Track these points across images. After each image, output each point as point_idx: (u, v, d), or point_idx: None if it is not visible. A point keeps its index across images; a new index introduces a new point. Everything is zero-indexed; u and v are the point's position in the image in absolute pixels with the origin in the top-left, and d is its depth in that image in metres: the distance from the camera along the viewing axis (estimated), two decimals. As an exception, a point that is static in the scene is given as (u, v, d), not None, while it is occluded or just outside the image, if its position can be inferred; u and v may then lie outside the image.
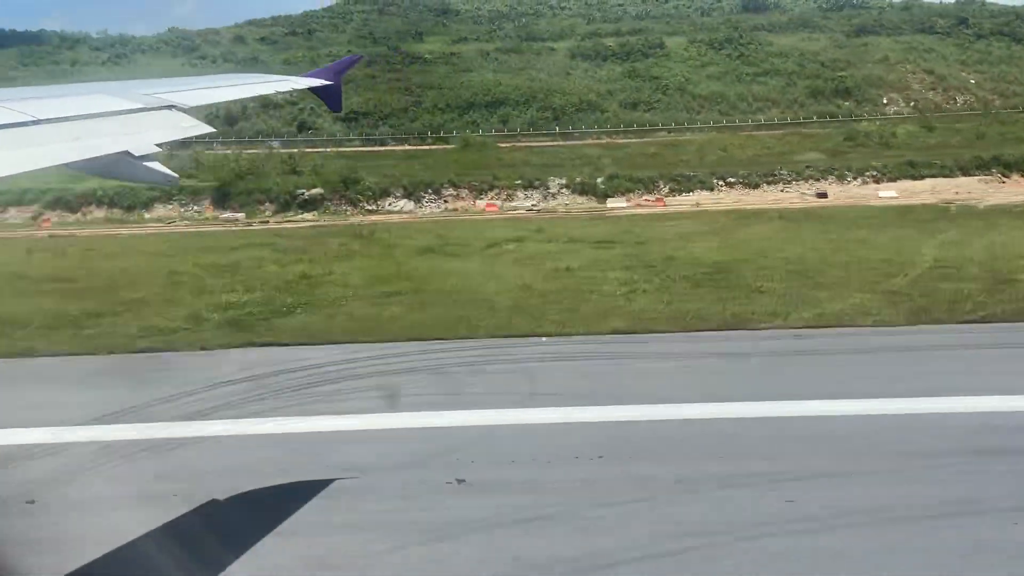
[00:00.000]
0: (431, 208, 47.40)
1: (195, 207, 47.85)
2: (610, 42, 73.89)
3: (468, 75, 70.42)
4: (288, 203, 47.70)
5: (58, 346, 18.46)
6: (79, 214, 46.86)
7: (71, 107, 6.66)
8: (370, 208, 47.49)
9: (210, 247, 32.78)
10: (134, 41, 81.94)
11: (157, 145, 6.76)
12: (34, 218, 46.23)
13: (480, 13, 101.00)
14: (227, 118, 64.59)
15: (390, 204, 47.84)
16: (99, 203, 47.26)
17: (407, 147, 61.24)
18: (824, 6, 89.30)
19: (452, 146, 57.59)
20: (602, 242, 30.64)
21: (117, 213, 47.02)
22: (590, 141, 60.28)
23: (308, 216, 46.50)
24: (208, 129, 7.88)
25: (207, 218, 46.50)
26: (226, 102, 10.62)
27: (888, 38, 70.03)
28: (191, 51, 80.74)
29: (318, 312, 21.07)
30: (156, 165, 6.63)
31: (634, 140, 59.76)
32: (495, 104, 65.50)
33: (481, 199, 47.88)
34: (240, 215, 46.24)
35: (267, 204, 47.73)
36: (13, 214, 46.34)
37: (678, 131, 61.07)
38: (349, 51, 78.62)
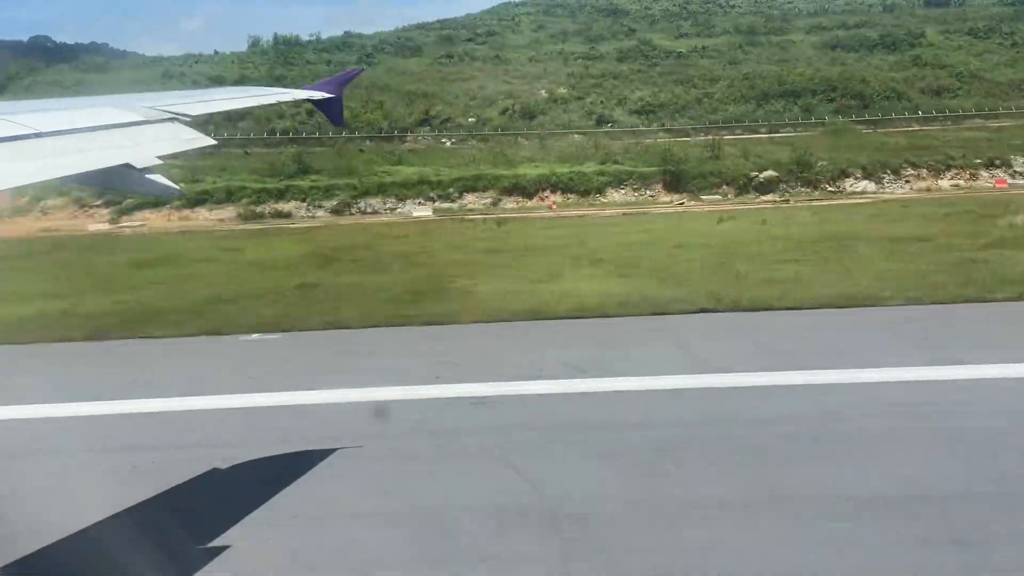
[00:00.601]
0: (894, 189, 44.72)
1: (647, 191, 44.33)
2: (871, 32, 72.67)
3: (736, 67, 68.39)
4: (744, 186, 44.53)
5: None
6: (535, 199, 43.03)
7: (73, 120, 6.49)
8: (831, 189, 44.60)
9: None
10: (357, 42, 78.44)
11: (159, 157, 6.61)
12: (493, 203, 42.33)
13: (650, 12, 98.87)
14: (523, 111, 62.00)
15: (852, 185, 44.98)
16: (554, 188, 43.50)
17: (708, 136, 58.63)
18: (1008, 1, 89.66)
19: (815, 132, 55.00)
20: None
21: (572, 198, 43.32)
22: (901, 128, 58.48)
23: (768, 198, 43.37)
24: (210, 141, 7.62)
25: (670, 201, 43.04)
26: (229, 111, 10.00)
27: None
28: (417, 51, 77.45)
29: None
30: (158, 177, 6.54)
31: (957, 126, 58.10)
32: (792, 93, 63.19)
33: (940, 179, 45.48)
34: (716, 196, 43.01)
35: (723, 187, 44.49)
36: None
37: (992, 117, 59.74)
38: (582, 50, 76.19)
